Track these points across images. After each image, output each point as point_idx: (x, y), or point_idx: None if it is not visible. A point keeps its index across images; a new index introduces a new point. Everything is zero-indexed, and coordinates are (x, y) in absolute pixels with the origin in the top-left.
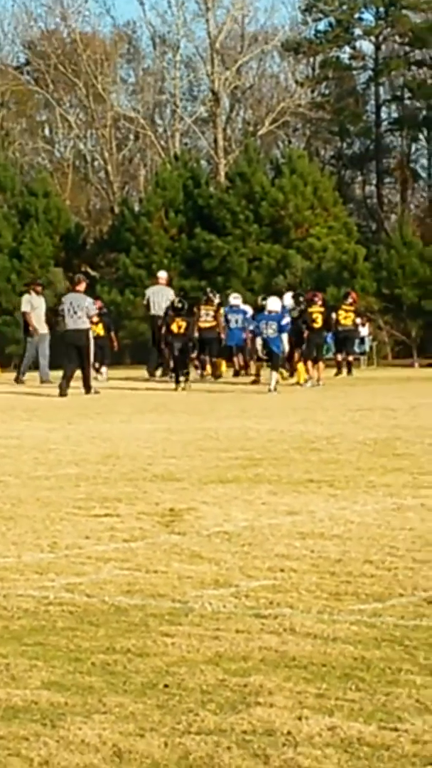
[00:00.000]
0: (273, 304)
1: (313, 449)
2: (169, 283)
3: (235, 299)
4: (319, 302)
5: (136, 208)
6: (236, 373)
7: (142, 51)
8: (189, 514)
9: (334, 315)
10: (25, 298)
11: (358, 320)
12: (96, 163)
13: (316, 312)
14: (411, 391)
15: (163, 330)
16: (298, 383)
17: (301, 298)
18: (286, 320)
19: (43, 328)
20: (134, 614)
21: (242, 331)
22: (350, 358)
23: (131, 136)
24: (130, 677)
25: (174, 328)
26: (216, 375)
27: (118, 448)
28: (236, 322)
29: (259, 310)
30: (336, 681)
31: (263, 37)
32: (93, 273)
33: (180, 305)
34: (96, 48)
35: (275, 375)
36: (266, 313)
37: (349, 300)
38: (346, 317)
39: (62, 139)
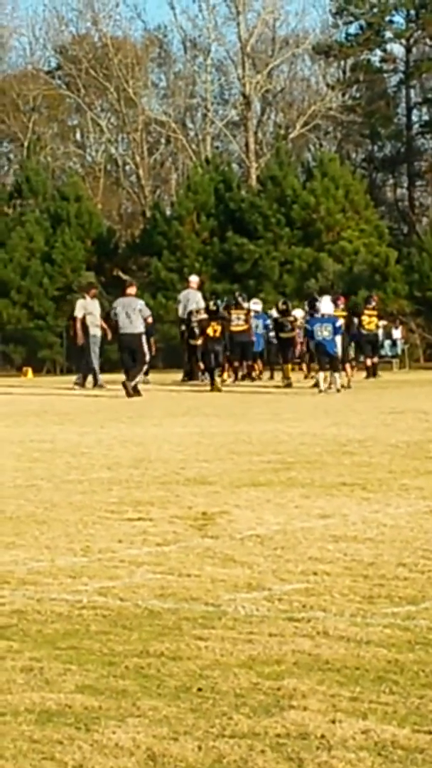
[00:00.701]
0: (326, 306)
1: (345, 452)
2: (200, 287)
3: (255, 305)
4: (342, 306)
5: (168, 211)
6: (244, 377)
7: (173, 55)
8: (222, 517)
9: (356, 320)
10: (80, 303)
11: (383, 323)
12: (127, 167)
13: (339, 315)
14: None
15: (198, 333)
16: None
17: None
18: (340, 322)
19: (97, 332)
20: (167, 618)
21: (261, 337)
22: (375, 360)
23: (162, 140)
24: (164, 681)
25: (210, 331)
26: (252, 377)
27: (150, 451)
28: (257, 327)
29: (280, 313)
30: (369, 684)
31: (294, 41)
32: (125, 277)
33: (215, 308)
34: (127, 52)
35: (337, 376)
36: (319, 315)
37: (372, 304)
38: (369, 322)
39: (93, 144)
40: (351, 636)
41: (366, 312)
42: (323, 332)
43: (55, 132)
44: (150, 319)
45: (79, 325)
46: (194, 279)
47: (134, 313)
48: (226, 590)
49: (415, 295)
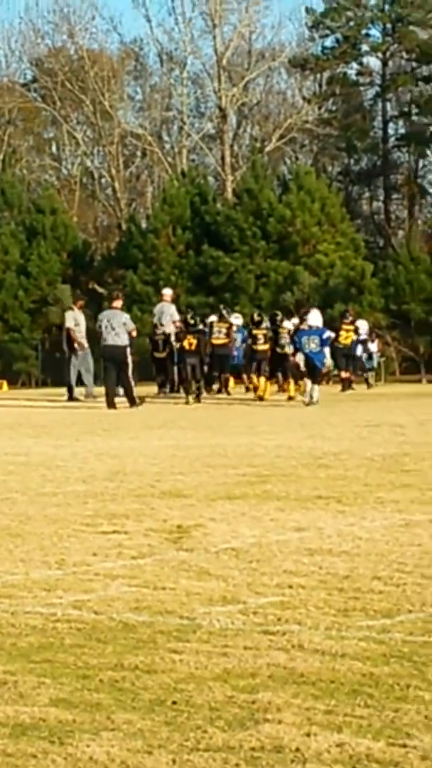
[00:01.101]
0: (314, 319)
1: (321, 465)
2: (175, 300)
3: (236, 319)
4: (350, 319)
5: (144, 224)
6: (219, 390)
7: (149, 68)
8: (197, 530)
9: (333, 334)
10: (69, 314)
11: (364, 336)
12: (103, 180)
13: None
14: (419, 407)
15: (176, 346)
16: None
17: (279, 317)
18: (328, 334)
19: (85, 344)
20: (142, 631)
21: (241, 350)
22: (350, 374)
23: (138, 153)
24: (139, 694)
25: (185, 344)
26: (228, 392)
27: (125, 464)
28: (234, 341)
29: (254, 325)
30: (344, 697)
31: (270, 54)
32: (100, 290)
33: (192, 321)
34: (103, 65)
35: (317, 388)
36: (307, 328)
37: (349, 318)
38: (346, 337)
39: (69, 156)
40: (326, 649)
41: (343, 326)
42: (310, 344)
43: (31, 145)
44: (134, 333)
45: (75, 335)
46: (168, 292)
47: (118, 326)
48: (201, 603)
49: (390, 309)
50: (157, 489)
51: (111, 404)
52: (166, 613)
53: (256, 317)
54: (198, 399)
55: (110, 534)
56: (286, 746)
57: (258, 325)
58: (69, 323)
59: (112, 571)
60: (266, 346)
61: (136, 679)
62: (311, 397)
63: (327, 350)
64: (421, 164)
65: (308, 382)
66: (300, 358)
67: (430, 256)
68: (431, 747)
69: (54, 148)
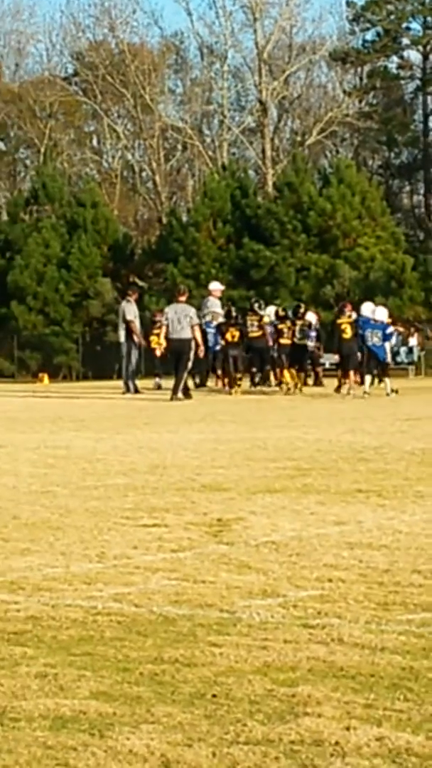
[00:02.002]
0: (379, 313)
1: (361, 459)
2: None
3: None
4: (348, 312)
5: (184, 218)
6: (258, 383)
7: (189, 61)
8: (237, 524)
9: (393, 329)
10: (129, 307)
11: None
12: (144, 174)
13: (345, 322)
14: None
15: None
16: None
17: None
18: (390, 329)
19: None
20: (182, 624)
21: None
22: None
23: (179, 147)
24: (178, 687)
25: (228, 336)
26: (269, 384)
27: (165, 458)
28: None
29: (279, 319)
30: (384, 691)
31: (311, 47)
32: (141, 283)
33: (235, 314)
34: (144, 59)
35: (388, 381)
36: (372, 321)
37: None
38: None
39: (110, 150)
40: (366, 643)
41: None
42: (374, 338)
43: (72, 138)
44: (198, 328)
45: (135, 327)
46: (215, 287)
47: (185, 320)
48: (241, 597)
49: (431, 302)
50: (197, 482)
51: (186, 395)
52: (206, 606)
53: (280, 312)
54: (238, 389)
55: (150, 527)
56: (325, 740)
57: (283, 319)
58: (130, 315)
59: (152, 564)
60: (289, 341)
61: (176, 672)
62: (389, 389)
63: (388, 345)
64: None
65: (367, 377)
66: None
67: None
68: None
69: (95, 142)
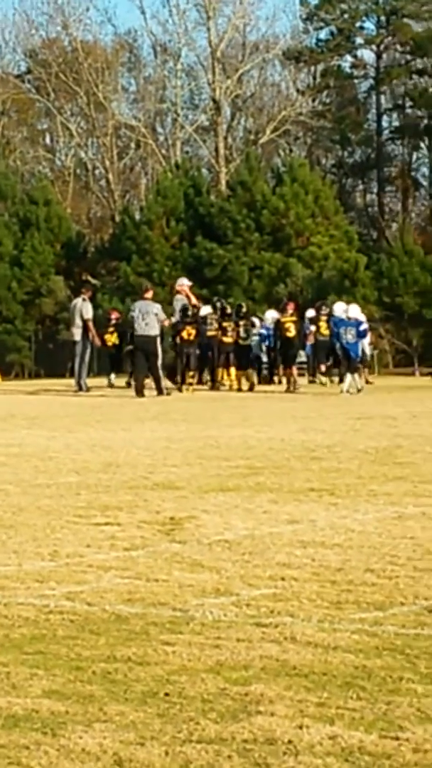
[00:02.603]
0: (353, 311)
1: (314, 458)
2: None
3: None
4: (291, 311)
5: (137, 216)
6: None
7: (143, 59)
8: (190, 522)
9: (313, 327)
10: (86, 305)
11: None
12: (97, 172)
13: (288, 321)
14: (412, 400)
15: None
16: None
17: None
18: (364, 326)
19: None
20: (135, 623)
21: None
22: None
23: (132, 145)
24: (131, 686)
25: (184, 334)
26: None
27: (118, 456)
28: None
29: (221, 317)
30: (337, 690)
31: (264, 46)
32: (94, 281)
33: (190, 313)
34: (97, 56)
35: (349, 378)
36: (345, 319)
37: (326, 310)
38: (327, 327)
39: (63, 148)
40: (318, 641)
41: (322, 319)
42: (347, 335)
43: (25, 136)
44: (166, 322)
45: (91, 325)
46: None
47: (149, 316)
48: (194, 595)
49: (384, 301)
50: (150, 481)
51: (140, 392)
52: (158, 604)
53: (227, 310)
54: (190, 387)
55: (103, 525)
56: (278, 738)
57: (227, 317)
58: (88, 314)
59: (105, 563)
60: (232, 339)
61: (129, 671)
62: (356, 386)
63: (362, 342)
64: (414, 157)
65: (347, 376)
66: (337, 348)
67: (423, 249)
68: (423, 739)
69: (48, 140)
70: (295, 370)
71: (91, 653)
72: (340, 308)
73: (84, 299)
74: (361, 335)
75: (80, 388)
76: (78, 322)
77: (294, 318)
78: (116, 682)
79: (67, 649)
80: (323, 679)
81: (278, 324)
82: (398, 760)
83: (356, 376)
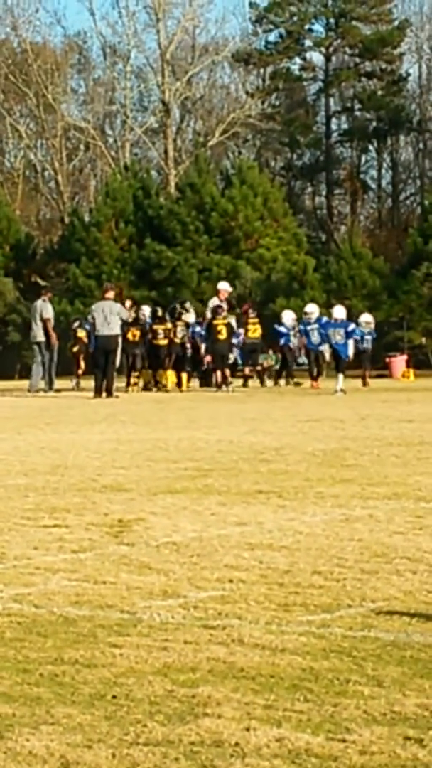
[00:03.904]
0: (339, 312)
1: (262, 460)
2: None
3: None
4: (223, 314)
5: (87, 218)
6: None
7: (92, 61)
8: (138, 524)
9: (242, 330)
10: (45, 306)
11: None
12: (46, 173)
13: (221, 324)
14: (361, 402)
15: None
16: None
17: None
18: (352, 327)
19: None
20: (82, 625)
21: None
22: (258, 368)
23: (81, 147)
24: (78, 688)
25: (129, 336)
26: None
27: (66, 458)
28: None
29: (155, 320)
30: (284, 692)
31: (214, 48)
32: (43, 283)
33: (134, 315)
34: (47, 58)
35: (341, 377)
36: (333, 321)
37: (255, 313)
38: (254, 330)
39: (12, 149)
40: (266, 644)
41: (249, 321)
42: (336, 336)
43: None
44: (130, 320)
45: (51, 326)
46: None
47: (111, 316)
48: (142, 597)
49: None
50: (98, 483)
51: (98, 392)
52: (106, 607)
53: (159, 313)
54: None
55: (51, 528)
56: (225, 740)
57: (160, 320)
58: (48, 314)
59: (52, 565)
60: (166, 341)
61: (76, 674)
62: (339, 386)
63: (351, 342)
64: (363, 159)
65: (340, 375)
66: (326, 349)
67: (371, 251)
68: (370, 741)
69: None
70: (228, 371)
71: (38, 655)
72: (340, 312)
73: (44, 300)
74: (349, 336)
75: (50, 388)
76: (39, 322)
77: (226, 321)
78: (63, 684)
79: (14, 651)
80: (270, 681)
81: (210, 326)
82: (345, 762)
83: (341, 377)
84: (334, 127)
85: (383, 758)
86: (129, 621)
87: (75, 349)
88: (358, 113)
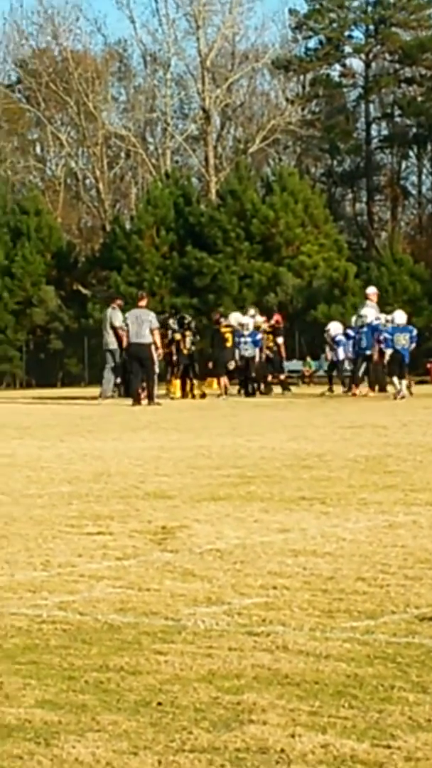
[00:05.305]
0: (400, 317)
1: (304, 467)
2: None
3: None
4: (226, 322)
5: (128, 226)
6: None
7: (133, 69)
8: (181, 531)
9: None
10: (116, 313)
11: (280, 341)
12: (87, 181)
13: (227, 331)
14: (402, 409)
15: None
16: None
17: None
18: (416, 332)
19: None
20: (127, 632)
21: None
22: (282, 377)
23: (122, 154)
24: (124, 695)
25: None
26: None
27: (110, 466)
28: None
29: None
30: (329, 698)
31: (254, 55)
32: (85, 291)
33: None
34: (87, 66)
35: (405, 382)
36: (396, 325)
37: (271, 321)
38: (267, 339)
39: (53, 157)
40: (310, 650)
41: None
42: (401, 341)
43: (15, 146)
44: (157, 332)
45: (123, 334)
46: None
47: (144, 324)
48: (186, 604)
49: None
50: (141, 490)
51: (137, 401)
52: (150, 614)
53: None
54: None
55: (95, 535)
56: (270, 747)
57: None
58: (118, 321)
59: (97, 573)
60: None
61: (121, 681)
62: (400, 391)
63: (412, 347)
64: (403, 166)
65: (399, 380)
66: (388, 353)
67: (412, 257)
68: (415, 747)
69: (38, 149)
70: (225, 380)
71: (83, 663)
72: (401, 317)
73: (114, 308)
74: (413, 341)
75: (134, 397)
76: (109, 330)
77: (231, 329)
78: (109, 691)
79: (59, 658)
80: (315, 687)
81: (217, 334)
82: None
83: (404, 381)
84: (374, 133)
85: (429, 765)
86: (173, 628)
87: None
88: (398, 119)
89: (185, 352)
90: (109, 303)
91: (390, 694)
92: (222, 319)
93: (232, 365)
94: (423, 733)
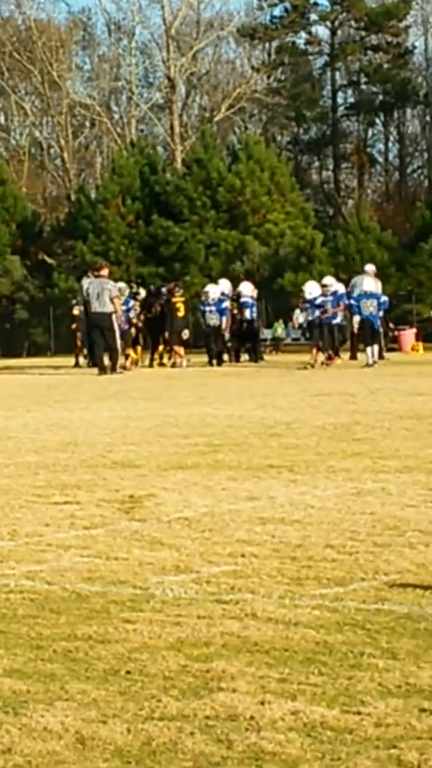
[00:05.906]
0: (368, 284)
1: (272, 435)
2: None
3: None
4: (180, 291)
5: (93, 195)
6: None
7: (97, 38)
8: (149, 500)
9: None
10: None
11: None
12: (52, 151)
13: (179, 301)
14: (370, 376)
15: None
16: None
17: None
18: (384, 298)
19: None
20: (95, 601)
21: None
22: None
23: (87, 124)
24: (92, 664)
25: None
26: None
27: (77, 435)
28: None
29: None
30: (298, 665)
31: (219, 23)
32: (50, 260)
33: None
34: (51, 35)
35: (374, 349)
36: (364, 292)
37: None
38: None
39: (18, 127)
40: (279, 618)
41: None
42: (369, 308)
43: None
44: (117, 300)
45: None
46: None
47: (104, 294)
48: (154, 573)
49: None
50: (108, 459)
51: (102, 369)
52: (119, 583)
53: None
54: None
55: (62, 504)
56: (240, 714)
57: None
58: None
59: (64, 542)
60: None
61: (90, 649)
62: (375, 362)
63: (381, 314)
64: (370, 133)
65: (368, 348)
66: (356, 321)
67: (379, 225)
68: (384, 713)
69: (2, 119)
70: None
71: (51, 632)
72: (369, 284)
73: (88, 276)
74: (380, 307)
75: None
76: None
77: (183, 298)
78: (77, 660)
79: (27, 628)
80: (284, 655)
81: (170, 305)
82: (360, 734)
83: (375, 348)
84: (340, 101)
85: (398, 730)
86: (142, 596)
87: (73, 326)
88: (364, 87)
89: (134, 321)
90: (85, 273)
91: (359, 660)
92: (176, 290)
93: (186, 334)
94: (392, 699)
